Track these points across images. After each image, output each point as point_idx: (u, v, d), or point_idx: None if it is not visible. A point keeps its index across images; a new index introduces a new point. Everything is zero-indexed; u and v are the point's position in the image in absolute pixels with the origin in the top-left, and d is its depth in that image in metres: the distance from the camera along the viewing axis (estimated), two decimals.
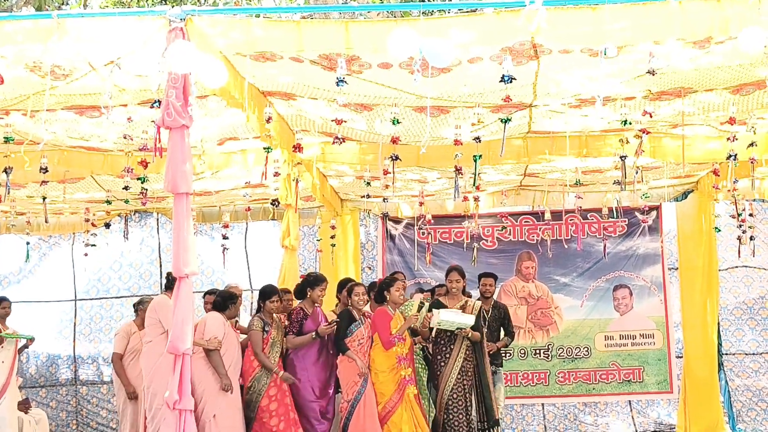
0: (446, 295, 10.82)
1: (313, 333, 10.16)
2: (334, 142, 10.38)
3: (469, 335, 10.34)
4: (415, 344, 10.83)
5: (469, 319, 10.39)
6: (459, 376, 10.21)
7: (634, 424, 16.07)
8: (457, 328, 10.29)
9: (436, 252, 16.12)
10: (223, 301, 10.30)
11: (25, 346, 12.89)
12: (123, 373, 12.26)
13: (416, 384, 10.46)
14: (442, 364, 10.32)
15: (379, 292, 10.67)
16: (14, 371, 12.57)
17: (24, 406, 13.13)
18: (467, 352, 10.37)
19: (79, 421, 16.83)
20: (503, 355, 12.62)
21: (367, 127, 11.47)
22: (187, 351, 7.00)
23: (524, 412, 16.37)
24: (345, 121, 10.20)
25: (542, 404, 16.33)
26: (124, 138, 10.89)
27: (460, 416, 10.10)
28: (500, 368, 11.97)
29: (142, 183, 11.92)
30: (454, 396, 10.15)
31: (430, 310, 10.62)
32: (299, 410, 10.19)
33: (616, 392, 16.00)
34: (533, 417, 16.33)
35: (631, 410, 16.14)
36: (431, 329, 10.37)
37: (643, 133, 10.70)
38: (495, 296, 13.01)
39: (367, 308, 10.98)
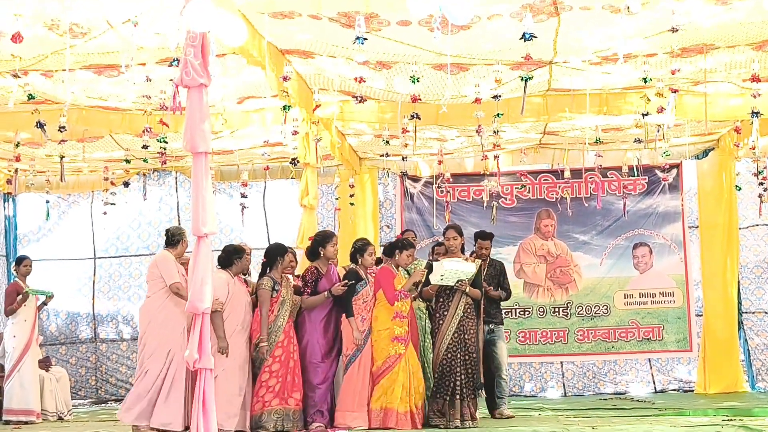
0: (445, 254, 10.79)
1: (326, 292, 10.13)
2: (358, 101, 10.33)
3: (467, 290, 10.30)
4: (414, 300, 10.77)
5: (471, 267, 10.36)
6: (456, 335, 10.17)
7: (654, 382, 16.05)
8: (457, 281, 10.23)
9: (455, 210, 16.05)
10: (227, 256, 10.16)
11: (44, 304, 12.94)
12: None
13: (416, 345, 10.44)
14: (440, 322, 10.29)
15: (391, 248, 10.63)
16: (36, 329, 12.66)
17: (45, 364, 13.21)
18: (467, 309, 10.32)
19: (98, 378, 16.94)
20: (513, 314, 12.54)
21: (386, 86, 11.43)
22: (206, 310, 6.99)
23: (543, 370, 16.37)
24: (365, 80, 10.14)
25: (561, 362, 16.31)
26: (144, 97, 10.87)
27: (450, 375, 10.07)
28: (500, 326, 11.87)
29: (161, 143, 11.89)
30: (448, 355, 10.14)
31: (426, 268, 10.57)
32: (304, 372, 10.18)
33: (635, 350, 15.92)
34: (552, 375, 16.34)
35: (651, 368, 16.12)
36: (426, 278, 10.32)
37: (672, 92, 10.63)
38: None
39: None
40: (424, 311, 10.97)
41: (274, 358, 9.95)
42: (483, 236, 11.93)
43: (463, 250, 10.80)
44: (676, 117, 11.38)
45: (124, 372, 16.86)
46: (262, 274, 10.39)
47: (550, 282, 16.12)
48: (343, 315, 10.23)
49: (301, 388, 10.05)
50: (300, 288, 10.35)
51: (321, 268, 10.36)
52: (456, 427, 9.95)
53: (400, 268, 10.53)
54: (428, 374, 10.59)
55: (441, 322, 10.30)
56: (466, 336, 10.25)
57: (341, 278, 10.39)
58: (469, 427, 10.02)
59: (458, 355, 10.16)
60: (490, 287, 11.49)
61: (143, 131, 11.72)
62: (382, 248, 11.26)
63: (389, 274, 10.30)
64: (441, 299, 10.37)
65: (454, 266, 10.13)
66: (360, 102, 10.47)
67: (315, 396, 10.08)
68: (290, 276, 10.61)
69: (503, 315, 12.11)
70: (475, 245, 11.99)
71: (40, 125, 10.96)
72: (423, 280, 10.36)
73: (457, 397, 10.06)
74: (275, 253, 10.36)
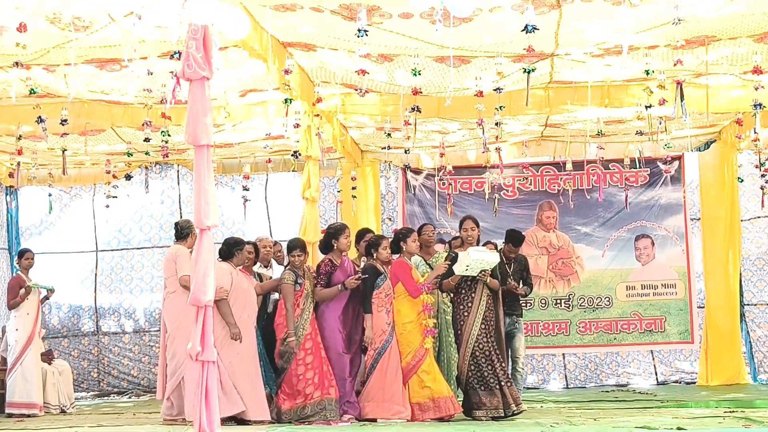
0: (462, 246, 10.77)
1: (340, 285, 10.13)
2: (361, 94, 10.33)
3: (488, 281, 10.30)
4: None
5: (495, 257, 10.37)
6: (483, 325, 10.18)
7: (656, 374, 16.07)
8: (480, 272, 10.23)
9: (457, 202, 16.05)
10: (228, 248, 10.16)
11: (46, 298, 12.96)
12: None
13: (435, 336, 10.47)
14: (465, 313, 10.26)
15: (395, 244, 10.64)
16: (38, 322, 12.68)
17: (47, 357, 13.23)
18: (488, 301, 10.33)
19: (100, 370, 16.96)
20: (523, 305, 12.55)
21: (388, 78, 11.43)
22: (209, 303, 7.01)
23: (545, 362, 16.38)
24: (368, 72, 10.14)
25: (563, 354, 16.33)
26: (144, 91, 10.87)
27: (489, 365, 10.07)
28: (520, 318, 11.91)
29: (163, 136, 11.91)
30: (480, 346, 10.12)
31: (448, 261, 10.56)
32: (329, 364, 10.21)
33: (637, 342, 15.97)
34: (554, 367, 16.35)
35: (653, 360, 16.14)
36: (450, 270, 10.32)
37: (678, 84, 10.62)
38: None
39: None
40: (449, 304, 10.96)
41: (306, 351, 9.99)
42: (515, 242, 11.91)
43: (478, 242, 10.80)
44: (687, 110, 11.39)
45: (126, 364, 16.88)
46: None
47: (552, 274, 16.14)
48: None
49: (334, 377, 10.09)
50: (315, 280, 10.38)
51: (335, 261, 10.37)
52: (513, 414, 9.99)
53: (420, 262, 10.56)
54: (450, 368, 10.64)
55: (466, 314, 10.27)
56: (491, 326, 10.28)
57: (356, 270, 10.39)
58: (522, 411, 10.10)
59: (490, 345, 10.17)
60: (515, 284, 11.56)
61: (143, 124, 11.72)
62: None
63: (405, 267, 10.31)
64: (463, 291, 10.35)
65: (480, 256, 10.12)
66: (362, 95, 10.47)
67: (344, 386, 10.10)
68: (311, 268, 10.63)
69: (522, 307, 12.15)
70: (504, 246, 12.00)
71: (41, 120, 10.96)
72: (446, 272, 10.35)
73: (504, 383, 10.07)
74: (290, 248, 10.39)
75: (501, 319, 10.79)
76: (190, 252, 10.71)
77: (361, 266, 10.56)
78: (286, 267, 10.47)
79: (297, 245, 10.36)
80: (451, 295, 10.61)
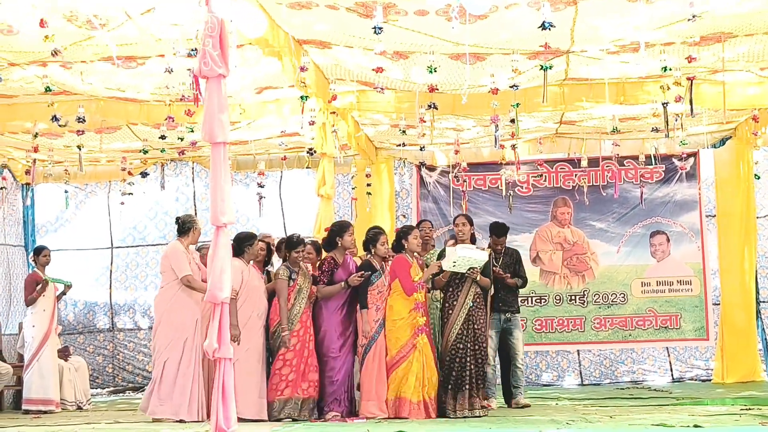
0: (455, 242, 10.77)
1: (343, 283, 10.13)
2: (379, 91, 10.34)
3: (477, 278, 10.28)
4: (428, 291, 10.78)
5: (483, 255, 10.34)
6: (465, 324, 10.16)
7: (671, 371, 16.05)
8: (469, 269, 10.21)
9: (471, 199, 16.02)
10: (238, 244, 10.14)
11: (63, 293, 12.99)
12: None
13: (429, 334, 10.45)
14: (450, 311, 10.28)
15: (397, 240, 10.65)
16: (55, 319, 12.72)
17: (63, 353, 13.27)
18: (476, 299, 10.31)
19: (115, 365, 17.02)
20: (529, 302, 12.52)
21: (403, 76, 11.43)
22: (225, 300, 7.02)
23: (559, 359, 16.37)
24: (384, 69, 10.15)
25: (577, 351, 16.32)
26: (165, 88, 10.89)
27: (459, 366, 10.07)
28: (517, 314, 11.87)
29: (186, 131, 11.93)
30: (459, 345, 10.13)
31: (439, 258, 10.55)
32: (321, 362, 10.18)
33: (652, 339, 15.94)
34: (568, 363, 16.34)
35: (669, 356, 16.13)
36: (441, 272, 10.31)
37: (690, 80, 10.59)
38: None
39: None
40: (439, 300, 10.95)
41: (288, 348, 9.99)
42: (498, 233, 11.85)
43: (473, 240, 10.78)
44: (699, 107, 11.37)
45: (141, 360, 16.93)
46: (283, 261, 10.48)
47: (566, 269, 16.11)
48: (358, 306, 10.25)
49: (315, 377, 10.08)
50: (316, 278, 10.38)
51: (337, 258, 10.36)
52: (465, 417, 9.95)
53: (419, 256, 10.53)
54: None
55: (450, 311, 10.28)
56: (475, 326, 10.24)
57: (357, 269, 10.39)
58: (479, 416, 10.01)
59: (468, 345, 10.15)
60: (507, 275, 11.50)
61: (166, 120, 11.70)
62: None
63: (405, 264, 10.28)
64: (450, 288, 10.35)
65: (467, 253, 10.12)
66: (381, 91, 10.47)
67: (333, 385, 10.10)
68: (308, 265, 10.63)
69: (519, 303, 12.08)
70: (489, 239, 11.97)
71: (55, 119, 10.98)
72: (439, 271, 10.33)
73: (466, 387, 10.06)
74: (287, 246, 10.41)
75: (489, 318, 10.74)
76: (198, 249, 10.77)
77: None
78: (282, 263, 10.49)
79: (301, 242, 10.39)
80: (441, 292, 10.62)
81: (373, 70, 9.81)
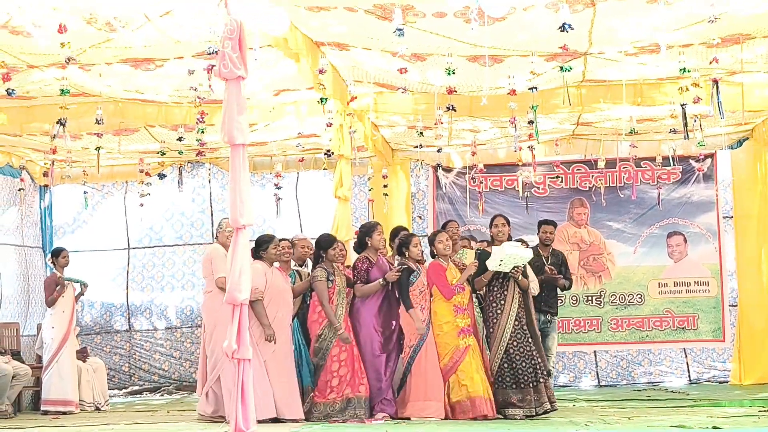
0: (491, 244, 10.76)
1: (381, 280, 10.16)
2: (404, 91, 10.34)
3: (518, 278, 10.29)
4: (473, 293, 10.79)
5: (528, 253, 10.35)
6: (516, 323, 10.17)
7: (689, 372, 16.01)
8: (513, 268, 10.21)
9: (487, 199, 16.02)
10: (255, 250, 10.24)
11: (81, 294, 13.03)
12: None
13: (475, 335, 10.44)
14: (498, 311, 10.25)
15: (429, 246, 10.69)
16: (73, 320, 12.76)
17: (82, 354, 13.30)
18: (520, 299, 10.33)
19: (131, 365, 17.05)
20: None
21: (421, 78, 11.43)
22: (244, 301, 7.05)
23: (576, 360, 16.32)
24: (407, 70, 10.16)
25: (594, 351, 16.27)
26: (191, 90, 10.92)
27: (524, 363, 10.06)
28: (555, 317, 11.91)
29: (201, 133, 11.97)
30: (515, 343, 10.11)
31: (477, 260, 10.54)
32: (365, 362, 10.21)
33: (670, 340, 15.90)
34: (585, 365, 16.30)
35: (686, 357, 16.08)
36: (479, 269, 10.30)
37: (715, 82, 10.57)
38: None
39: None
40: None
41: (341, 346, 10.05)
42: (547, 222, 12.07)
43: (509, 240, 10.79)
44: (710, 106, 11.34)
45: (158, 359, 16.96)
46: (314, 266, 10.46)
47: (583, 270, 16.07)
48: (401, 307, 10.26)
49: (365, 375, 10.10)
50: (351, 279, 10.40)
51: (371, 258, 10.41)
52: (546, 411, 10.01)
53: (450, 262, 10.53)
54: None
55: (499, 311, 10.26)
56: (524, 323, 10.27)
57: (391, 268, 10.41)
58: (545, 413, 10.06)
59: (527, 341, 10.17)
60: (559, 275, 11.59)
61: (198, 117, 11.70)
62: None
63: (440, 269, 10.31)
64: (495, 289, 10.35)
65: (514, 251, 10.10)
66: (404, 92, 10.47)
67: (380, 385, 10.11)
68: (342, 265, 10.66)
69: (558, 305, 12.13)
70: (538, 232, 12.06)
71: (61, 124, 10.98)
72: (476, 270, 10.34)
73: (541, 381, 10.08)
74: (321, 246, 10.43)
75: (534, 316, 10.74)
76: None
77: (395, 264, 10.59)
78: (315, 264, 10.49)
79: (334, 240, 10.44)
80: (483, 293, 10.61)
81: (398, 70, 9.84)
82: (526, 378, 10.03)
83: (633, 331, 15.85)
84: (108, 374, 14.74)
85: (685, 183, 15.90)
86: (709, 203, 15.85)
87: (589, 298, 16.00)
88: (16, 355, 13.07)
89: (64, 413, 12.11)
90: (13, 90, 10.36)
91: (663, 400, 12.31)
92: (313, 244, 10.82)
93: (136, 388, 16.55)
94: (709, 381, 15.77)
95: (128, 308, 17.21)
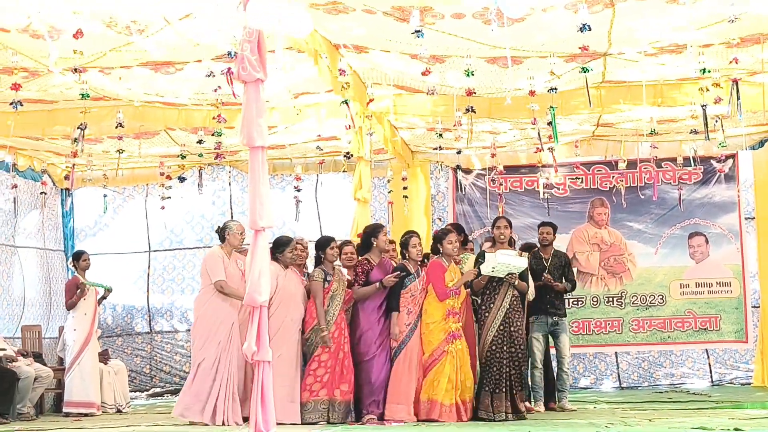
0: (493, 246, 10.75)
1: (378, 283, 10.12)
2: (431, 93, 10.37)
3: (515, 282, 10.27)
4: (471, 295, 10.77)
5: (522, 262, 10.33)
6: (502, 327, 10.16)
7: (711, 374, 15.95)
8: (507, 274, 10.21)
9: (507, 201, 15.98)
10: (271, 251, 10.14)
11: (104, 297, 13.07)
12: None
13: (472, 336, 10.44)
14: (487, 314, 10.26)
15: (434, 245, 10.65)
16: (95, 323, 12.80)
17: (103, 357, 13.36)
18: (513, 302, 10.30)
19: (152, 366, 17.10)
20: (567, 305, 12.49)
21: (440, 80, 11.42)
22: (264, 303, 7.04)
23: (597, 362, 16.29)
24: (431, 72, 10.16)
25: (615, 353, 16.23)
26: (214, 91, 10.96)
27: (498, 370, 10.07)
28: (564, 318, 11.86)
29: (218, 135, 12.00)
30: (494, 348, 10.12)
31: (476, 263, 10.51)
32: (359, 365, 10.19)
33: (691, 341, 15.83)
34: (606, 366, 16.26)
35: (708, 358, 16.03)
36: (478, 276, 10.28)
37: (735, 82, 10.52)
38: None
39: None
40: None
41: (324, 349, 9.99)
42: (545, 224, 12.05)
43: (511, 243, 10.78)
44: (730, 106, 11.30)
45: (178, 361, 17.02)
46: (315, 267, 10.45)
47: (603, 271, 16.02)
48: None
49: (350, 380, 10.06)
50: (352, 281, 10.37)
51: (372, 260, 10.37)
52: (502, 420, 9.95)
53: (451, 263, 10.49)
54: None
55: (487, 314, 10.29)
56: (512, 329, 10.24)
57: (393, 271, 10.37)
58: (515, 420, 10.02)
59: (504, 348, 10.16)
60: (556, 283, 11.52)
61: (216, 118, 11.73)
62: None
63: (439, 268, 10.27)
64: (488, 291, 10.35)
65: (507, 260, 10.11)
66: (431, 94, 10.47)
67: (371, 387, 10.08)
68: (344, 270, 10.63)
69: (566, 307, 12.09)
70: (537, 233, 12.05)
71: (82, 129, 11.01)
72: (475, 277, 10.32)
73: (504, 389, 10.06)
74: (319, 246, 10.41)
75: (523, 322, 10.71)
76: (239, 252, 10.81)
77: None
78: (316, 266, 10.47)
79: (331, 240, 10.41)
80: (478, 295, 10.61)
81: (422, 73, 9.87)
82: (490, 383, 10.06)
83: (654, 332, 15.78)
84: (129, 376, 14.79)
85: (706, 183, 15.83)
86: (731, 204, 15.78)
87: (610, 299, 15.94)
88: (38, 358, 13.10)
89: (86, 415, 12.14)
90: (20, 102, 10.36)
91: (684, 402, 12.27)
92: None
93: (157, 390, 16.58)
94: (731, 382, 15.72)
95: (149, 310, 17.28)
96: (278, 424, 9.49)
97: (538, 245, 12.05)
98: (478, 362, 10.46)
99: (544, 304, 11.42)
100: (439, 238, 10.50)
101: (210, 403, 10.05)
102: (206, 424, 9.95)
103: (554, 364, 12.06)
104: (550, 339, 11.81)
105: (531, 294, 11.00)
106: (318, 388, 9.96)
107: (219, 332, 10.14)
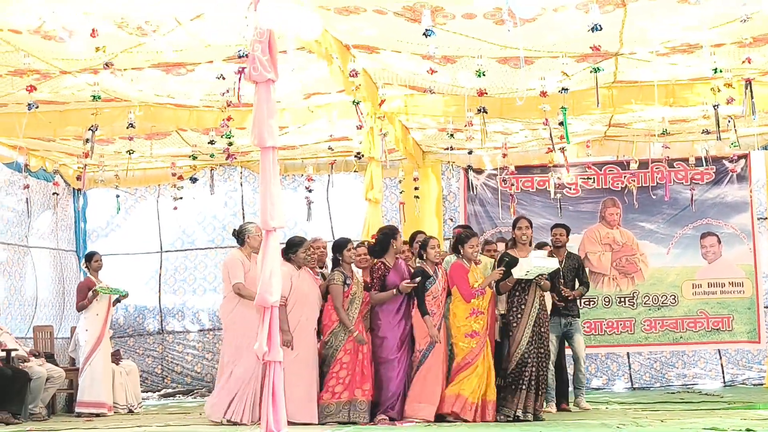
0: (513, 247, 10.69)
1: (395, 290, 10.10)
2: (431, 91, 10.35)
3: (541, 284, 10.23)
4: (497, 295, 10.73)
5: (554, 263, 10.29)
6: (534, 328, 10.13)
7: (723, 374, 15.92)
8: (537, 276, 10.18)
9: (519, 201, 15.96)
10: (284, 251, 10.13)
11: (118, 300, 13.07)
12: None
13: (485, 339, 10.41)
14: (519, 315, 10.20)
15: (455, 245, 10.62)
16: (107, 324, 12.80)
17: (115, 357, 13.36)
18: (541, 302, 10.28)
19: (164, 366, 17.13)
20: (580, 305, 12.44)
21: (451, 80, 11.42)
22: (275, 303, 7.05)
23: (609, 362, 16.26)
24: (436, 71, 10.14)
25: (627, 353, 16.21)
26: (222, 95, 10.96)
27: (532, 369, 10.03)
28: (577, 318, 11.81)
29: (228, 138, 12.00)
30: (530, 348, 10.08)
31: (501, 264, 10.46)
32: (378, 366, 10.18)
33: (704, 341, 15.80)
34: (618, 367, 16.23)
35: (720, 359, 15.99)
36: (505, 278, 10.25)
37: (748, 81, 10.48)
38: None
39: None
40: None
41: (345, 350, 9.96)
42: (558, 225, 11.99)
43: (530, 243, 10.73)
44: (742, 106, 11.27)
45: (190, 361, 17.04)
46: (333, 269, 10.43)
47: (615, 271, 15.98)
48: (414, 310, 10.20)
49: (369, 380, 10.05)
50: (368, 284, 10.35)
51: (388, 263, 10.34)
52: (516, 418, 9.93)
53: (472, 264, 10.46)
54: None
55: (519, 315, 10.20)
56: (542, 329, 10.22)
57: (411, 275, 10.33)
58: (531, 420, 9.98)
59: (532, 349, 10.12)
60: (572, 292, 11.49)
61: (222, 123, 11.76)
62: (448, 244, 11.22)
63: (462, 270, 10.24)
64: (517, 293, 10.28)
65: (541, 263, 10.04)
66: (431, 92, 10.45)
67: (390, 389, 10.06)
68: (359, 271, 10.62)
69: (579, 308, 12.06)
70: (551, 235, 11.97)
71: (93, 130, 11.04)
72: (501, 277, 10.28)
73: (523, 388, 10.02)
74: (336, 248, 10.38)
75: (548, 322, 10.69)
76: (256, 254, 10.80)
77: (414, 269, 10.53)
78: (334, 268, 10.45)
79: (348, 242, 10.39)
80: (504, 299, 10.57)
81: (427, 71, 9.82)
82: (516, 382, 10.02)
83: (666, 332, 15.74)
84: (141, 376, 14.79)
85: (718, 184, 15.80)
86: (743, 204, 15.75)
87: (622, 299, 15.91)
88: (50, 358, 13.12)
89: (98, 415, 12.15)
90: (36, 104, 10.41)
91: (696, 403, 12.24)
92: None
93: (169, 390, 16.61)
94: (744, 383, 15.67)
95: (161, 311, 17.30)
96: (296, 423, 9.59)
97: (551, 245, 11.98)
98: (505, 360, 10.41)
99: (558, 306, 11.39)
100: (461, 240, 10.43)
101: (236, 406, 10.03)
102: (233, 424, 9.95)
103: (567, 364, 12.01)
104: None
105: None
106: (340, 390, 9.94)
107: (249, 338, 9.98)
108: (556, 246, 11.82)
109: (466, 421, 9.83)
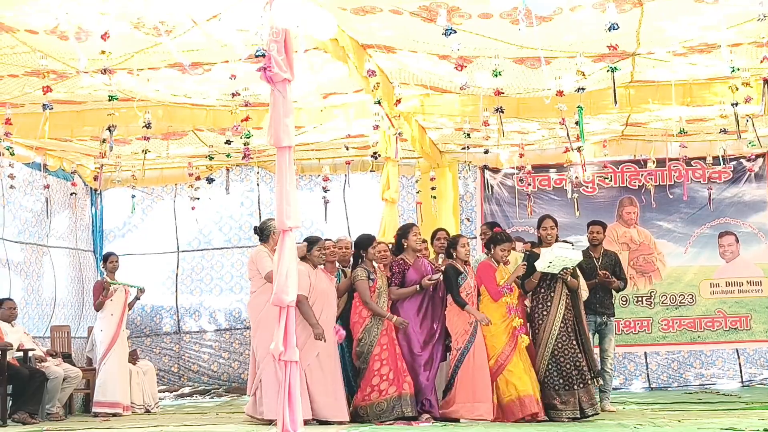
0: (539, 245, 10.64)
1: (417, 285, 10.10)
2: (462, 88, 10.36)
3: (568, 279, 10.17)
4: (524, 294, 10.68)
5: (578, 255, 10.21)
6: (562, 324, 10.07)
7: (741, 374, 15.85)
8: (562, 270, 10.11)
9: (535, 200, 15.95)
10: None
11: (137, 299, 13.08)
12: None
13: (529, 334, 10.36)
14: (545, 313, 10.13)
15: (487, 243, 10.61)
16: (123, 324, 12.81)
17: (132, 357, 13.39)
18: (567, 301, 10.21)
19: (180, 365, 17.16)
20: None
21: (467, 80, 11.39)
22: (291, 303, 7.06)
23: (626, 362, 16.19)
24: (465, 66, 10.12)
25: (644, 353, 16.16)
26: (232, 96, 10.96)
27: (569, 365, 9.96)
28: (612, 317, 11.69)
29: (246, 138, 12.00)
30: (560, 345, 10.00)
31: (525, 261, 10.42)
32: (404, 362, 10.19)
33: (722, 340, 15.76)
34: (636, 367, 16.18)
35: (738, 358, 15.92)
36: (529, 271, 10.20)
37: (765, 81, 10.42)
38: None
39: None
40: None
41: (382, 346, 9.94)
42: (595, 222, 11.79)
43: (556, 242, 10.67)
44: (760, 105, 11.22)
45: (207, 359, 17.06)
46: (354, 266, 10.42)
47: (632, 270, 15.93)
48: (448, 309, 10.19)
49: (408, 372, 10.06)
50: (389, 279, 10.35)
51: (408, 260, 10.35)
52: (576, 418, 9.85)
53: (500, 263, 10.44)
54: None
55: (545, 313, 10.12)
56: (570, 324, 10.13)
57: (434, 270, 10.34)
58: (591, 415, 9.91)
59: (572, 344, 10.04)
60: (612, 279, 11.36)
61: (233, 127, 11.77)
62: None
63: (489, 269, 10.22)
64: (542, 291, 10.22)
65: (564, 253, 9.96)
66: (464, 87, 10.43)
67: (420, 386, 10.06)
68: (382, 266, 10.60)
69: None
70: (587, 232, 11.86)
71: (110, 130, 11.05)
72: (525, 273, 10.25)
73: (588, 383, 9.97)
74: (360, 246, 10.38)
75: (584, 317, 10.58)
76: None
77: (440, 264, 10.53)
78: (356, 265, 10.44)
79: (372, 239, 10.39)
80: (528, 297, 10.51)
81: (455, 68, 9.75)
82: (570, 380, 9.92)
83: (684, 331, 15.70)
84: (157, 376, 14.82)
85: (736, 182, 15.74)
86: (761, 203, 15.70)
87: (639, 298, 15.87)
88: (67, 358, 13.17)
89: (115, 415, 12.17)
90: (50, 105, 10.44)
91: (714, 403, 12.19)
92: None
93: (185, 390, 16.63)
94: (762, 383, 15.60)
95: (177, 310, 17.33)
96: (326, 422, 9.59)
97: (589, 245, 11.85)
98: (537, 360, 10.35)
99: (594, 303, 11.20)
100: (496, 241, 10.39)
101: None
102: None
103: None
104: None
105: (585, 293, 10.85)
106: (386, 386, 9.89)
107: None
108: (593, 244, 11.70)
109: (535, 415, 9.75)
